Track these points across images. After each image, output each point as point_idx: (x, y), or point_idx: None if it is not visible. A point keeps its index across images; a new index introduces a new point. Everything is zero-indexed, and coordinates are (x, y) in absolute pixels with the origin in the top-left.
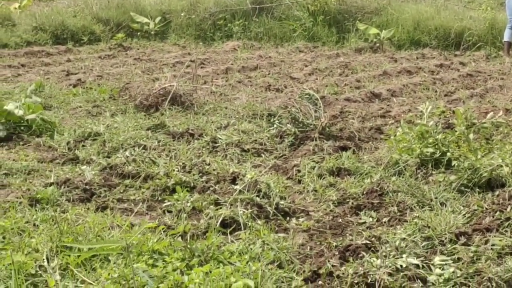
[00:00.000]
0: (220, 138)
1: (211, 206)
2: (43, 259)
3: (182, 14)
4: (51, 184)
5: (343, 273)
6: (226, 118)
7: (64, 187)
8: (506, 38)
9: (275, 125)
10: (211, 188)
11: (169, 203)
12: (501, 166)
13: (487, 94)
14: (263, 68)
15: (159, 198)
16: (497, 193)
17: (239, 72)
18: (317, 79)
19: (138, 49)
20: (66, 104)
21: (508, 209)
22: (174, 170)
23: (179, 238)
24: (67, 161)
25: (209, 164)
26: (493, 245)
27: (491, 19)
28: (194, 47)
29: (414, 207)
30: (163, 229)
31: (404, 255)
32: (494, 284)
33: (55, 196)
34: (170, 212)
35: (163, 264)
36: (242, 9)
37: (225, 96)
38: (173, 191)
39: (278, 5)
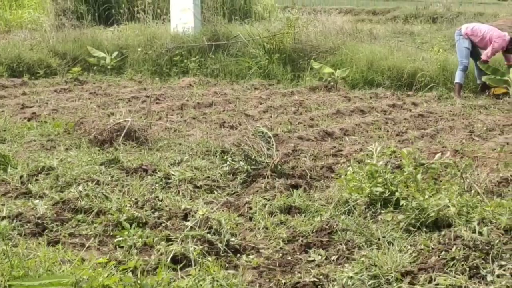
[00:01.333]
0: (173, 174)
1: (162, 242)
2: None
3: (139, 50)
4: (3, 218)
5: None
6: (180, 154)
7: (16, 221)
8: (457, 79)
9: (228, 162)
10: (163, 224)
11: (120, 238)
12: (448, 206)
13: (438, 135)
14: (218, 105)
15: (111, 234)
16: (443, 233)
17: (194, 108)
18: (271, 116)
19: (94, 83)
20: (20, 138)
21: (454, 249)
22: (126, 206)
23: (130, 274)
24: (20, 195)
25: (161, 200)
26: (437, 284)
27: (443, 61)
28: (150, 83)
29: (362, 245)
30: (113, 264)
31: None
32: None
33: (6, 230)
34: (121, 247)
35: None
36: (199, 46)
37: (179, 132)
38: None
39: (234, 42)
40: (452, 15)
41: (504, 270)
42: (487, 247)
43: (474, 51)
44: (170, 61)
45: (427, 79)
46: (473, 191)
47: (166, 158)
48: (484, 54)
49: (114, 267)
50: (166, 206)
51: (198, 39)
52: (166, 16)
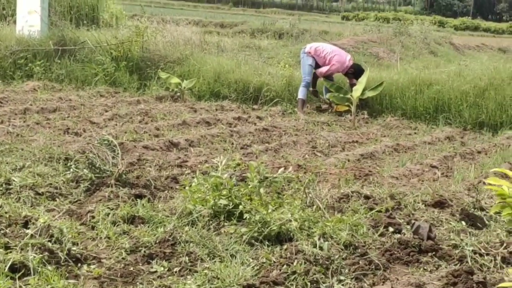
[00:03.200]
0: (14, 180)
1: (1, 250)
2: None
3: None
4: None
5: None
6: (21, 160)
7: None
8: (300, 95)
9: (71, 170)
10: (2, 231)
11: None
12: (290, 220)
13: (282, 149)
14: (63, 111)
15: None
16: (285, 246)
17: (38, 113)
18: (116, 124)
19: None
20: None
21: (295, 263)
22: None
23: None
24: None
25: (1, 207)
26: None
27: (289, 76)
28: None
29: (205, 258)
30: None
31: None
32: None
33: None
34: None
35: None
36: (45, 50)
37: (21, 137)
38: None
39: (81, 48)
40: (298, 32)
41: (343, 285)
42: (327, 262)
43: (318, 68)
44: (14, 64)
45: (272, 93)
46: (315, 206)
47: (7, 163)
48: (318, 71)
49: None
50: (5, 213)
51: (44, 43)
52: (12, 18)
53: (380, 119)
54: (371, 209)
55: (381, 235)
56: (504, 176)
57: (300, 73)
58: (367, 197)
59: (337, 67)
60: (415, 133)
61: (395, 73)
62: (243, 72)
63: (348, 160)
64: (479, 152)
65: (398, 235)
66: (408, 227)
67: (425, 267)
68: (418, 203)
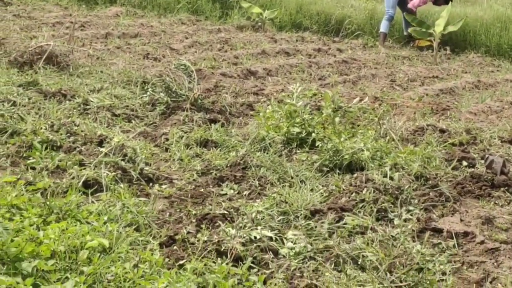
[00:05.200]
0: (92, 101)
1: (75, 166)
2: None
3: None
4: None
5: (198, 240)
6: (100, 82)
7: None
8: (382, 29)
9: (148, 93)
10: (77, 149)
11: (32, 160)
12: (362, 150)
13: (359, 82)
14: (144, 37)
15: (24, 155)
16: (355, 175)
17: (119, 38)
18: (196, 52)
19: (18, 5)
20: None
21: (364, 191)
22: (41, 128)
23: (39, 195)
24: None
25: (77, 125)
26: (345, 223)
27: (371, 9)
28: (76, 9)
29: (275, 182)
30: (24, 184)
31: (259, 227)
32: (341, 260)
33: None
34: (33, 169)
35: (20, 218)
36: None
37: (102, 60)
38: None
39: None
40: None
41: (411, 215)
42: (396, 192)
43: (402, 2)
44: None
45: (354, 26)
46: (388, 137)
47: (86, 84)
48: (411, 3)
49: (24, 187)
50: (82, 131)
51: None
52: None
53: (462, 56)
54: (446, 142)
55: (454, 168)
56: None
57: (384, 7)
58: (442, 131)
59: None
60: (497, 70)
61: (480, 10)
62: (325, 3)
63: (427, 95)
64: None
65: (471, 169)
66: (482, 162)
67: (496, 201)
68: (495, 138)
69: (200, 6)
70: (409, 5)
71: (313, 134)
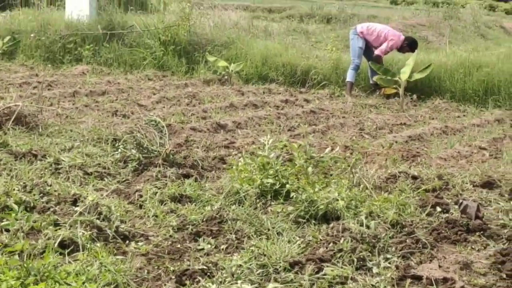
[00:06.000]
0: (63, 160)
1: (50, 227)
2: None
3: (32, 35)
4: None
5: None
6: (71, 140)
7: None
8: (348, 78)
9: (119, 150)
10: (52, 209)
11: (7, 222)
12: (337, 199)
13: (329, 131)
14: (111, 94)
15: None
16: (332, 225)
17: (86, 96)
18: (164, 107)
19: None
20: None
21: (342, 241)
22: (14, 189)
23: (16, 257)
24: None
25: (50, 185)
26: (325, 274)
27: (336, 59)
28: (43, 69)
29: (252, 235)
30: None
31: (239, 281)
32: None
33: None
34: (7, 231)
35: None
36: (93, 34)
37: (71, 119)
38: (12, 210)
39: (129, 32)
40: (346, 16)
41: (389, 263)
42: (373, 240)
43: (368, 51)
44: (63, 48)
45: (320, 76)
46: (361, 186)
47: (56, 144)
48: (379, 50)
49: (0, 250)
50: (55, 191)
51: (93, 27)
52: (60, 3)
53: (428, 102)
54: (418, 189)
55: (429, 214)
56: None
57: (349, 56)
58: (414, 178)
59: (395, 42)
60: (464, 115)
61: (444, 56)
62: (291, 55)
63: (396, 142)
64: None
65: (446, 215)
66: (456, 207)
67: (472, 246)
68: (466, 183)
69: (166, 62)
70: (376, 52)
71: (287, 185)
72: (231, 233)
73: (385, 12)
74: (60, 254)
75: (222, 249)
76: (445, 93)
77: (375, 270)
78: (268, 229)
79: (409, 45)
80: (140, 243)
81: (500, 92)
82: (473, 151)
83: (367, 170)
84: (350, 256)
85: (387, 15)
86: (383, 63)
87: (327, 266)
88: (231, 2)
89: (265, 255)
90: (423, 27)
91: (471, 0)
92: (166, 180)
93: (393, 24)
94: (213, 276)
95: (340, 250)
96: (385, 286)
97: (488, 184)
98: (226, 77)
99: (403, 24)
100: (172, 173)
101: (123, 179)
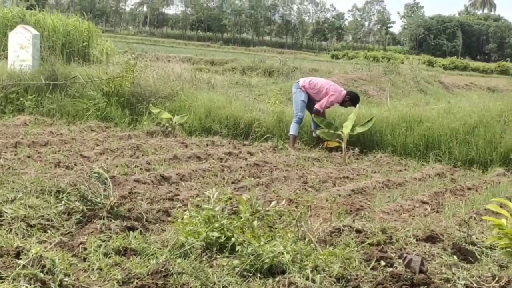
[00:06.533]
0: (5, 212)
1: None
2: None
3: None
4: None
5: None
6: (13, 192)
7: None
8: (291, 131)
9: (63, 202)
10: None
11: None
12: (283, 253)
13: (273, 184)
14: (54, 145)
15: None
16: (277, 279)
17: (29, 147)
18: (108, 159)
19: None
20: None
21: None
22: None
23: None
24: None
25: None
26: None
27: (279, 112)
28: None
29: None
30: None
31: None
32: None
33: None
34: None
35: None
36: (36, 84)
37: (13, 170)
38: None
39: (72, 83)
40: (288, 70)
41: None
42: None
43: (310, 104)
44: (5, 98)
45: (263, 129)
46: (307, 239)
47: None
48: (318, 105)
49: None
50: None
51: (36, 77)
52: (3, 53)
53: (370, 156)
54: (363, 242)
55: (373, 268)
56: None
57: (292, 109)
58: (358, 231)
59: (336, 97)
60: (405, 169)
61: (385, 110)
62: (234, 108)
63: (339, 195)
64: (469, 189)
65: (390, 269)
66: (400, 261)
67: None
68: (410, 237)
69: (110, 113)
70: (316, 106)
71: (233, 239)
72: (176, 287)
73: (327, 66)
74: None
75: None
76: (387, 147)
77: None
78: (214, 283)
79: (351, 99)
80: None
81: (440, 147)
82: (415, 205)
83: (311, 224)
84: None
85: (329, 69)
86: (325, 116)
87: None
88: (174, 54)
89: None
90: (364, 82)
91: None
92: (110, 233)
93: (334, 78)
94: None
95: None
96: None
97: (431, 238)
98: (169, 129)
99: (345, 78)
100: (116, 225)
101: (67, 232)
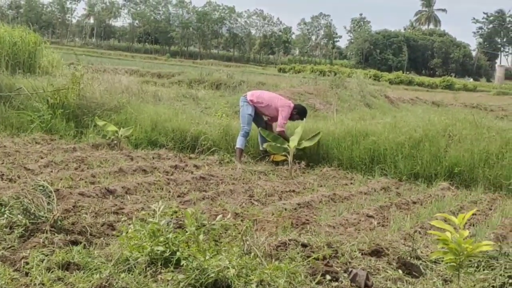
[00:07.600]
0: None
1: None
2: None
3: None
4: None
5: None
6: None
7: None
8: (238, 145)
9: (5, 215)
10: None
11: None
12: (228, 267)
13: (219, 198)
14: None
15: None
16: None
17: None
18: (52, 171)
19: None
20: None
21: None
22: None
23: None
24: None
25: None
26: None
27: (226, 126)
28: None
29: None
30: None
31: None
32: None
33: None
34: None
35: None
36: None
37: None
38: None
39: (16, 94)
40: (235, 83)
41: None
42: None
43: (257, 118)
44: None
45: (209, 142)
46: (252, 254)
47: None
48: (278, 126)
49: None
50: None
51: None
52: None
53: (317, 169)
54: (309, 257)
55: (319, 283)
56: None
57: (239, 123)
58: (304, 245)
59: (287, 111)
60: (351, 183)
61: (332, 124)
62: (180, 121)
63: (285, 209)
64: (414, 203)
65: (336, 283)
66: (346, 275)
67: None
68: (355, 251)
69: (54, 125)
70: (278, 129)
71: (178, 253)
72: None
73: (273, 79)
74: None
75: None
76: (333, 160)
77: None
78: None
79: (299, 113)
80: None
81: (386, 161)
82: (361, 219)
83: (257, 238)
84: None
85: (275, 82)
86: (287, 136)
87: None
88: (120, 66)
89: None
90: (311, 95)
91: (357, 70)
92: (53, 247)
93: (281, 91)
94: None
95: None
96: None
97: (376, 252)
98: (115, 141)
99: (291, 92)
100: (59, 239)
101: (9, 246)
